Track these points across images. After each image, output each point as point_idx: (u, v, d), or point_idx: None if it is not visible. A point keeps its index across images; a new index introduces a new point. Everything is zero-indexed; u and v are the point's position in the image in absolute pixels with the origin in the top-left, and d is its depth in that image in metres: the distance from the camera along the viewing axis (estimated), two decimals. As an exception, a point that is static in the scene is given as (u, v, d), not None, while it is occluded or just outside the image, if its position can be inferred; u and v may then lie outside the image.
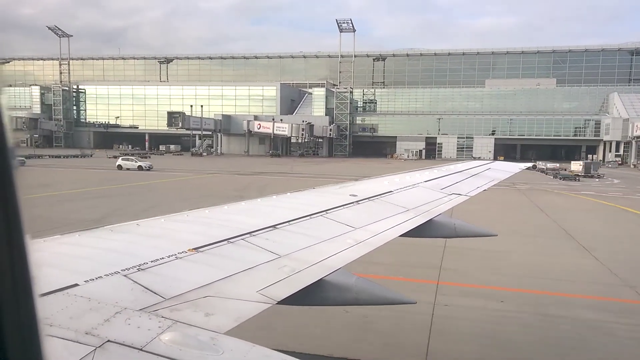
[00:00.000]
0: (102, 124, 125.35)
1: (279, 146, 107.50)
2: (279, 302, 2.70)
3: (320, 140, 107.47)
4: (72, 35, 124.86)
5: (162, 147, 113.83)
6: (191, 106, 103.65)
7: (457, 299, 10.97)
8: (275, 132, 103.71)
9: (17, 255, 0.86)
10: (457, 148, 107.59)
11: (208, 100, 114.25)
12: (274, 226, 4.05)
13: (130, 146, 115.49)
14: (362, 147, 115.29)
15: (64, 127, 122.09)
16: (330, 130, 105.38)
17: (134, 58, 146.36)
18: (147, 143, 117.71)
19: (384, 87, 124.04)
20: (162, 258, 2.93)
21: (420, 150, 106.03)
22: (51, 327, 1.88)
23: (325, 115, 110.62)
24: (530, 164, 14.03)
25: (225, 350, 1.92)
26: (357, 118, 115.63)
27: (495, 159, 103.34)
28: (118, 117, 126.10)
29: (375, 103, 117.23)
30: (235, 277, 2.87)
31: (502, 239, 15.16)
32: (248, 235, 3.69)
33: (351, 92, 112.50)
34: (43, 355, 0.90)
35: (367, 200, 5.72)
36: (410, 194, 6.61)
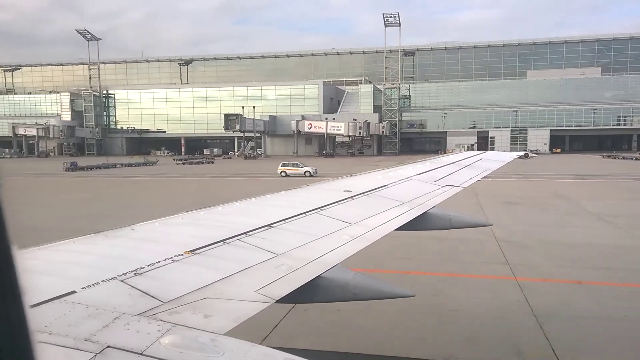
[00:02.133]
0: (135, 129, 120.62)
1: (326, 146, 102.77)
2: (278, 301, 2.70)
3: (367, 138, 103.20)
4: (100, 39, 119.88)
5: (206, 151, 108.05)
6: (242, 107, 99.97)
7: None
8: (328, 131, 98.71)
9: (3, 264, 0.85)
10: (511, 141, 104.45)
11: (247, 101, 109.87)
12: (269, 225, 4.05)
13: (167, 151, 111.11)
14: (410, 144, 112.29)
15: (98, 134, 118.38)
16: (383, 127, 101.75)
17: (159, 60, 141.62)
18: (183, 147, 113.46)
19: (425, 82, 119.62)
20: (159, 262, 2.92)
21: (472, 145, 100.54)
22: (50, 335, 1.88)
23: (373, 112, 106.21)
24: (522, 153, 14.04)
25: (225, 351, 1.92)
26: (404, 114, 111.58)
27: (551, 151, 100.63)
28: (154, 122, 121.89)
29: (409, 98, 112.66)
30: (233, 278, 2.87)
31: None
32: (244, 235, 3.70)
33: (399, 88, 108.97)
34: None
35: (361, 195, 5.73)
36: (404, 188, 6.63)
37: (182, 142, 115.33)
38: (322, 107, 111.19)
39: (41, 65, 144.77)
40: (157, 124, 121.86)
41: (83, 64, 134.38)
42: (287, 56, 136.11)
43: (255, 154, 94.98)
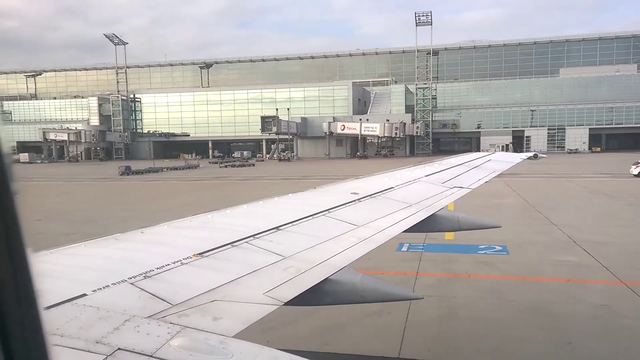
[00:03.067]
0: (162, 133, 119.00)
1: (359, 148, 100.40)
2: (286, 303, 2.72)
3: (399, 139, 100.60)
4: (127, 43, 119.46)
5: (236, 154, 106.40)
6: (277, 109, 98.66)
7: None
8: (363, 132, 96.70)
9: (19, 268, 0.87)
10: (548, 140, 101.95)
11: (275, 104, 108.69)
12: (277, 228, 4.07)
13: (194, 154, 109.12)
14: (442, 144, 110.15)
15: (127, 138, 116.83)
16: (417, 128, 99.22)
17: (182, 64, 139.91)
18: (210, 150, 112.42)
19: (454, 81, 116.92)
20: (168, 265, 2.95)
21: (507, 145, 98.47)
22: (62, 337, 1.90)
23: (405, 112, 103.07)
24: (531, 154, 13.94)
25: (234, 353, 1.94)
26: (436, 114, 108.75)
27: (590, 150, 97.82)
28: (181, 125, 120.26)
29: (436, 98, 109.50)
30: (241, 280, 2.89)
31: None
32: (252, 237, 3.71)
33: (430, 88, 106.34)
34: None
35: (368, 197, 5.73)
36: (412, 189, 6.62)
37: (210, 145, 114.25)
38: (352, 109, 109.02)
39: (65, 70, 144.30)
40: (184, 127, 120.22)
41: (107, 68, 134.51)
42: (312, 57, 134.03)
43: (289, 156, 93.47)
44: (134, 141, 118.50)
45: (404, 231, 4.74)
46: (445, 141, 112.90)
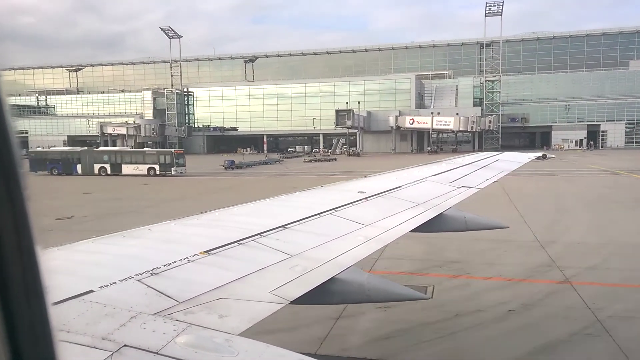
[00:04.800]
0: (217, 127, 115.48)
1: (430, 142, 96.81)
2: (292, 302, 2.71)
3: (466, 134, 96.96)
4: (182, 37, 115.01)
5: (298, 148, 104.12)
6: (348, 102, 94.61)
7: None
8: (434, 126, 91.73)
9: (28, 263, 0.87)
10: (626, 135, 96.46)
11: (334, 97, 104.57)
12: (284, 226, 4.07)
13: (251, 148, 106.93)
14: (510, 139, 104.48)
15: (184, 132, 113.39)
16: (490, 122, 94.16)
17: (232, 58, 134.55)
18: (265, 145, 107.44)
19: (519, 74, 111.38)
20: (175, 262, 2.96)
21: (581, 140, 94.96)
22: (68, 333, 1.91)
23: (473, 106, 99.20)
24: (539, 154, 13.80)
25: (240, 351, 1.94)
26: (504, 108, 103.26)
27: None
28: (236, 119, 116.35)
29: (500, 92, 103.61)
30: (247, 279, 2.89)
31: None
32: (258, 236, 3.71)
33: (500, 81, 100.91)
34: None
35: (375, 196, 5.72)
36: (419, 189, 6.59)
37: (265, 139, 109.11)
38: (414, 102, 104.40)
39: (112, 64, 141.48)
40: (238, 121, 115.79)
41: (154, 62, 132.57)
42: (366, 50, 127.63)
43: (358, 151, 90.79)
44: (190, 135, 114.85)
45: (411, 231, 4.73)
46: (515, 136, 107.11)
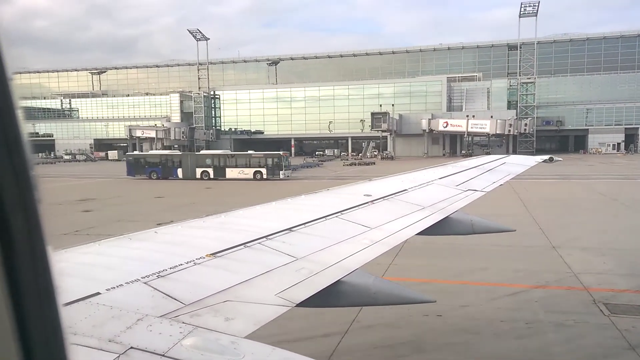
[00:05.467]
0: (244, 130, 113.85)
1: (464, 146, 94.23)
2: (298, 305, 2.71)
3: (500, 137, 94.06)
4: (209, 39, 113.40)
5: (328, 152, 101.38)
6: (392, 105, 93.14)
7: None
8: (470, 129, 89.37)
9: (39, 265, 0.88)
10: None
11: (363, 100, 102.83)
12: (290, 229, 4.06)
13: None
14: (545, 142, 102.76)
15: (213, 136, 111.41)
16: (526, 125, 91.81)
17: (257, 60, 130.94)
18: (292, 148, 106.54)
19: (551, 76, 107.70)
20: (181, 264, 2.96)
21: (618, 143, 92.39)
22: (75, 335, 1.92)
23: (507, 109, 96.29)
24: (546, 157, 13.72)
25: (246, 353, 1.94)
26: (538, 110, 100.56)
27: None
28: (263, 123, 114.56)
29: (534, 94, 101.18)
30: (253, 281, 2.89)
31: None
32: (264, 238, 3.71)
33: (534, 83, 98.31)
34: None
35: (381, 199, 5.71)
36: (425, 192, 6.57)
37: (292, 142, 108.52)
38: (445, 105, 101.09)
39: (137, 67, 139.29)
40: (265, 124, 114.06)
41: (179, 65, 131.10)
42: (393, 53, 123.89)
43: (392, 154, 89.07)
44: (218, 138, 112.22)
45: (417, 234, 4.71)
46: (550, 139, 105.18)
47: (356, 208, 5.13)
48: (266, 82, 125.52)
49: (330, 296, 3.09)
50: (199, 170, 46.59)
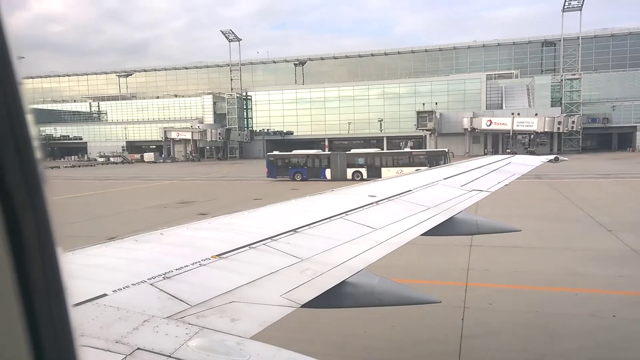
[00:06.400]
0: (277, 131, 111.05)
1: (497, 145, 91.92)
2: (303, 306, 2.72)
3: (538, 136, 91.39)
4: (241, 39, 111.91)
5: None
6: (436, 104, 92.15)
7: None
8: (515, 128, 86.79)
9: (49, 265, 0.89)
10: None
11: (399, 99, 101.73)
12: (294, 230, 4.08)
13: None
14: (590, 140, 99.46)
15: (248, 137, 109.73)
16: (573, 122, 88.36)
17: (286, 61, 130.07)
18: (327, 149, 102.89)
19: (594, 72, 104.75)
20: (187, 266, 2.98)
21: None
22: (82, 336, 1.93)
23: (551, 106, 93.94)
24: (552, 157, 13.67)
25: (251, 354, 1.95)
26: (582, 107, 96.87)
27: None
28: (297, 123, 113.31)
29: (579, 91, 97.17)
30: (258, 282, 2.90)
31: None
32: (269, 240, 3.73)
33: (580, 80, 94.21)
34: None
35: (386, 200, 5.71)
36: (430, 192, 6.57)
37: (326, 143, 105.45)
38: (485, 103, 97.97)
39: (165, 69, 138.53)
40: (299, 125, 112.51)
41: (207, 66, 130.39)
42: (426, 51, 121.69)
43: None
44: (252, 140, 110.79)
45: (422, 234, 4.71)
46: (595, 137, 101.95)
47: (361, 209, 5.14)
48: (291, 83, 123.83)
49: (336, 297, 3.10)
50: (350, 171, 43.72)
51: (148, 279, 2.67)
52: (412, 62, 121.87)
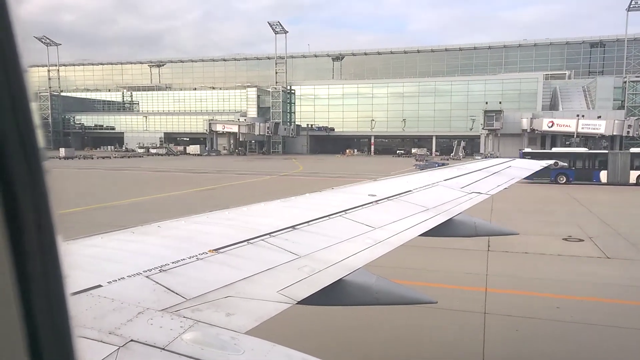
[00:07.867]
0: (322, 127, 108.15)
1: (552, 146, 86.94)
2: (299, 302, 2.70)
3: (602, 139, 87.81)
4: (287, 32, 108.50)
5: (418, 150, 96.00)
6: (499, 102, 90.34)
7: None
8: (580, 130, 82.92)
9: (48, 255, 0.88)
10: None
11: (450, 97, 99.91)
12: (293, 227, 4.06)
13: (355, 150, 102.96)
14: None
15: (293, 132, 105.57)
16: None
17: (328, 55, 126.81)
18: (372, 146, 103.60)
19: None
20: (184, 259, 2.96)
21: None
22: (75, 327, 1.91)
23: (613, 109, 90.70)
24: (552, 162, 13.65)
25: (246, 349, 1.93)
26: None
27: None
28: (342, 119, 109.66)
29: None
30: (255, 278, 2.89)
31: None
32: (268, 236, 3.71)
33: None
34: (75, 354, 0.93)
35: (386, 199, 5.70)
36: (430, 193, 6.56)
37: (372, 140, 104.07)
38: (540, 104, 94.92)
39: (203, 60, 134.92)
40: (345, 121, 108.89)
41: (246, 59, 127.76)
42: (475, 48, 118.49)
43: (497, 154, 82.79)
44: (298, 134, 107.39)
45: (420, 235, 4.70)
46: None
47: (360, 207, 5.12)
48: (328, 77, 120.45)
49: (332, 294, 3.08)
50: (633, 174, 37.39)
51: (144, 271, 2.66)
52: (460, 60, 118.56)
